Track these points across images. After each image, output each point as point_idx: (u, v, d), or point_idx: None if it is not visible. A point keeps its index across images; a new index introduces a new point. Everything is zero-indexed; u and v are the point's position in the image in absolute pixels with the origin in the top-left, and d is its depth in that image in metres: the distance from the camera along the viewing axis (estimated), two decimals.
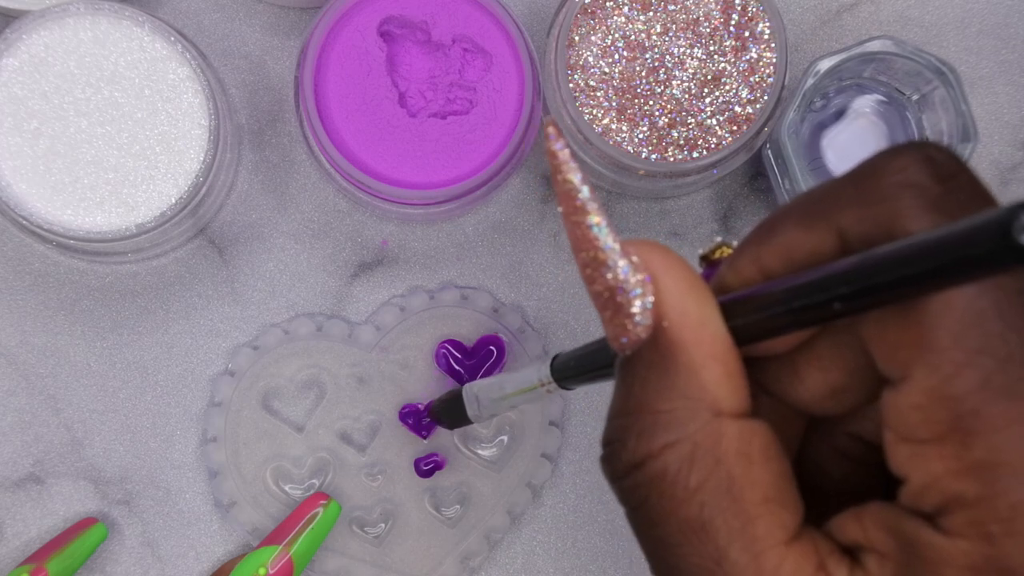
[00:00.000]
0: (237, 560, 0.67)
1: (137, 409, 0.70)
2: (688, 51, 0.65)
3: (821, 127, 0.69)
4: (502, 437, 0.70)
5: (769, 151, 0.69)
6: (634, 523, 0.46)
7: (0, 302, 0.69)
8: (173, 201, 0.64)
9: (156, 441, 0.70)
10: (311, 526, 0.66)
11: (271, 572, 0.65)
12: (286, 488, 0.69)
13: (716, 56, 0.65)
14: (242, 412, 0.69)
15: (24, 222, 0.64)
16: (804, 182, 0.66)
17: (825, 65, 0.66)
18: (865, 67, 0.68)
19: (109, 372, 0.70)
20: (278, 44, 0.70)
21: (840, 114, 0.69)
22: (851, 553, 0.41)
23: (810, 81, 0.66)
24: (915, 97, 0.68)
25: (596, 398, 0.71)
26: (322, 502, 0.67)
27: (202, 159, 0.64)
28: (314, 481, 0.69)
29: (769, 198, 0.71)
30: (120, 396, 0.70)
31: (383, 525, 0.69)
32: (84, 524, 0.68)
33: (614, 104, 0.65)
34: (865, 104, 0.69)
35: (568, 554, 0.71)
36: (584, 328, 0.71)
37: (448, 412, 0.65)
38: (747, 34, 0.65)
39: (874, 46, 0.66)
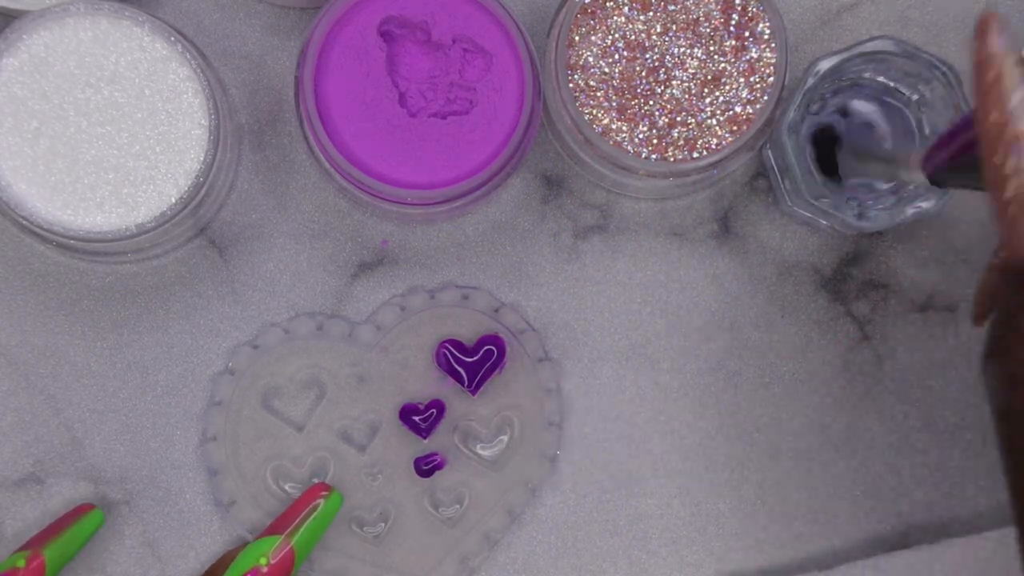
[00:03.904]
0: (238, 550, 0.67)
1: (137, 409, 0.70)
2: (688, 51, 0.65)
3: (821, 127, 0.69)
4: (502, 437, 0.70)
5: (769, 151, 0.69)
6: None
7: (0, 302, 0.69)
8: (173, 201, 0.64)
9: (156, 441, 0.70)
10: (312, 516, 0.66)
11: (272, 562, 0.65)
12: (286, 487, 0.69)
13: (716, 56, 0.65)
14: (242, 411, 0.69)
15: (24, 222, 0.64)
16: (804, 182, 0.66)
17: (825, 65, 0.66)
18: (865, 67, 0.68)
19: (109, 372, 0.70)
20: (278, 44, 0.70)
21: (840, 114, 0.69)
22: None
23: (810, 81, 0.66)
24: (915, 97, 0.68)
25: (595, 399, 0.71)
26: (323, 493, 0.67)
27: (202, 159, 0.64)
28: (314, 480, 0.69)
29: (769, 198, 0.71)
30: (120, 396, 0.70)
31: (382, 524, 0.69)
32: (81, 510, 0.68)
33: (614, 104, 0.65)
34: (865, 104, 0.69)
35: (568, 554, 0.71)
36: (584, 328, 0.71)
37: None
38: (747, 34, 0.65)
39: (874, 46, 0.66)
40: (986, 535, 0.70)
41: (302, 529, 0.66)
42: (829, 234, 0.71)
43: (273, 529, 0.66)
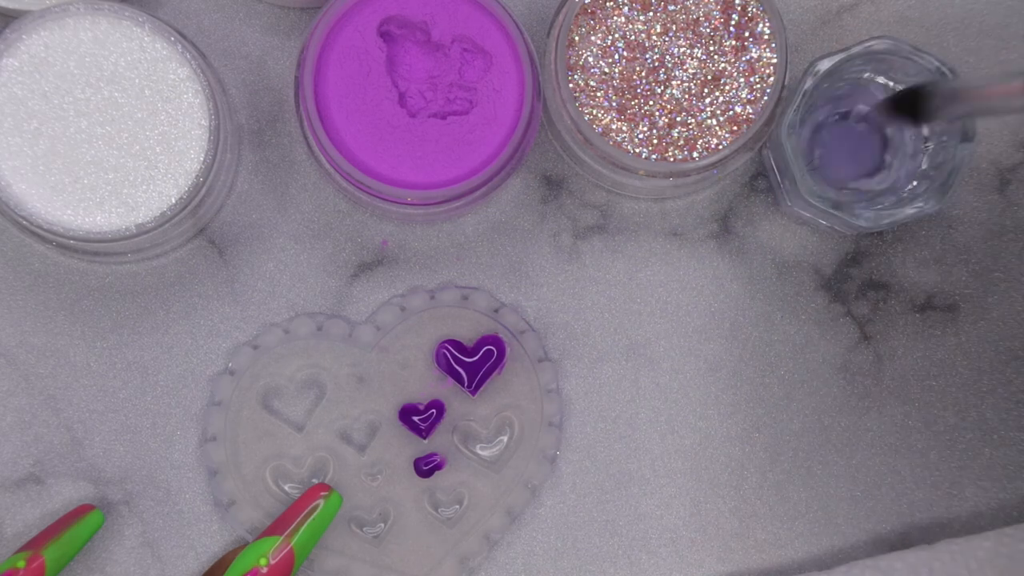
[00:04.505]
0: (238, 550, 0.67)
1: (137, 409, 0.70)
2: (688, 51, 0.65)
3: (821, 127, 0.69)
4: (501, 437, 0.70)
5: (769, 151, 0.69)
6: None
7: (0, 302, 0.69)
8: (173, 201, 0.64)
9: (156, 441, 0.70)
10: (312, 517, 0.66)
11: (272, 562, 0.65)
12: (285, 487, 0.69)
13: (716, 56, 0.65)
14: (242, 411, 0.69)
15: (24, 222, 0.64)
16: (803, 182, 0.66)
17: (825, 65, 0.66)
18: (865, 67, 0.68)
19: (109, 372, 0.70)
20: (278, 44, 0.70)
21: (839, 115, 0.69)
22: None
23: (809, 81, 0.66)
24: None
25: (595, 399, 0.71)
26: (323, 493, 0.67)
27: (202, 159, 0.64)
28: (314, 480, 0.69)
29: (769, 198, 0.71)
30: (120, 396, 0.70)
31: (382, 525, 0.69)
32: (81, 511, 0.68)
33: (614, 104, 0.65)
34: (864, 106, 0.69)
35: (568, 554, 0.71)
36: (584, 328, 0.71)
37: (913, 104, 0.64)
38: (747, 34, 0.65)
39: (874, 46, 0.66)
40: (985, 535, 0.70)
41: (302, 530, 0.66)
42: (829, 234, 0.71)
43: (273, 530, 0.66)
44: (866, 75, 0.68)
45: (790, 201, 0.69)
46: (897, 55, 0.66)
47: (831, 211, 0.66)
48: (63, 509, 0.69)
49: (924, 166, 0.68)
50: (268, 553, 0.65)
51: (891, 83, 0.68)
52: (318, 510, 0.66)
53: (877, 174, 0.69)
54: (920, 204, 0.66)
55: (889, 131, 0.69)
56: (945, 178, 0.66)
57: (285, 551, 0.65)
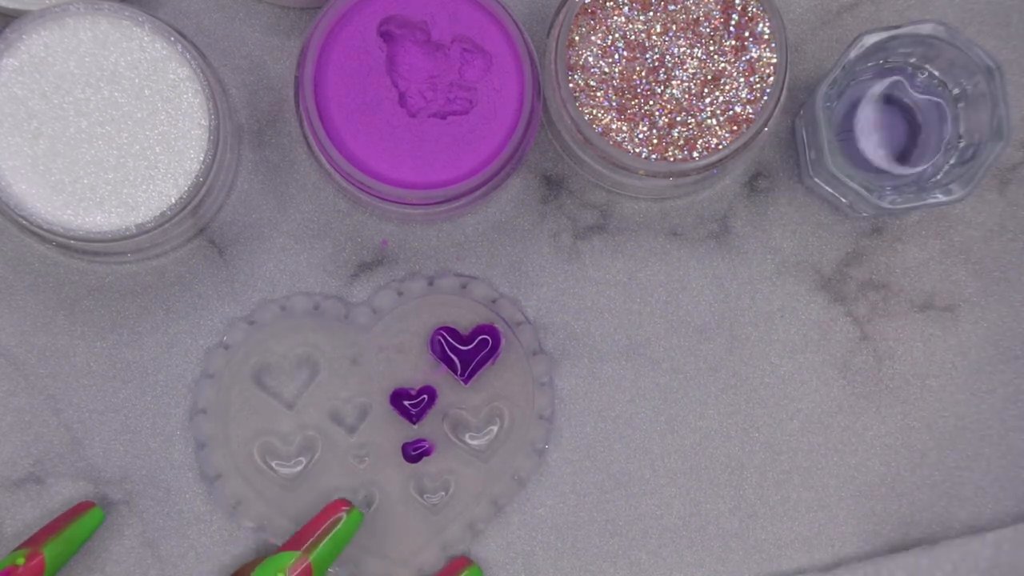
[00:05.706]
0: (255, 563, 0.66)
1: (137, 409, 0.70)
2: (688, 51, 0.65)
3: (856, 105, 0.68)
4: (491, 427, 0.70)
5: (802, 120, 0.68)
6: None
7: (0, 302, 0.69)
8: (173, 201, 0.64)
9: (156, 441, 0.70)
10: (332, 532, 0.66)
11: None
12: (273, 464, 0.69)
13: (716, 56, 0.65)
14: (234, 385, 0.69)
15: (24, 222, 0.64)
16: (830, 153, 0.65)
17: (871, 40, 0.65)
18: (913, 51, 0.66)
19: (109, 372, 0.70)
20: (278, 44, 0.70)
21: (878, 97, 0.68)
22: None
23: (852, 54, 0.65)
24: (955, 91, 0.67)
25: (595, 398, 0.71)
26: (344, 508, 0.66)
27: (202, 159, 0.64)
28: (301, 459, 0.69)
29: (770, 197, 0.71)
30: (120, 396, 0.70)
31: (367, 508, 0.69)
32: (81, 508, 0.68)
33: (614, 104, 0.65)
34: (904, 92, 0.68)
35: (568, 554, 0.71)
36: (584, 328, 0.71)
37: None
38: (747, 34, 0.65)
39: (925, 29, 0.64)
40: (984, 537, 0.70)
41: (321, 545, 0.65)
42: (832, 230, 0.71)
43: (292, 544, 0.65)
44: (913, 60, 0.67)
45: (813, 172, 0.68)
46: (945, 42, 0.65)
47: (855, 187, 0.65)
48: (63, 509, 0.69)
49: (952, 161, 0.67)
50: (286, 568, 0.64)
51: (936, 72, 0.67)
52: (339, 525, 0.66)
53: (904, 163, 0.68)
54: (942, 195, 0.65)
55: (923, 123, 0.68)
56: (973, 172, 0.65)
57: (303, 567, 0.64)
